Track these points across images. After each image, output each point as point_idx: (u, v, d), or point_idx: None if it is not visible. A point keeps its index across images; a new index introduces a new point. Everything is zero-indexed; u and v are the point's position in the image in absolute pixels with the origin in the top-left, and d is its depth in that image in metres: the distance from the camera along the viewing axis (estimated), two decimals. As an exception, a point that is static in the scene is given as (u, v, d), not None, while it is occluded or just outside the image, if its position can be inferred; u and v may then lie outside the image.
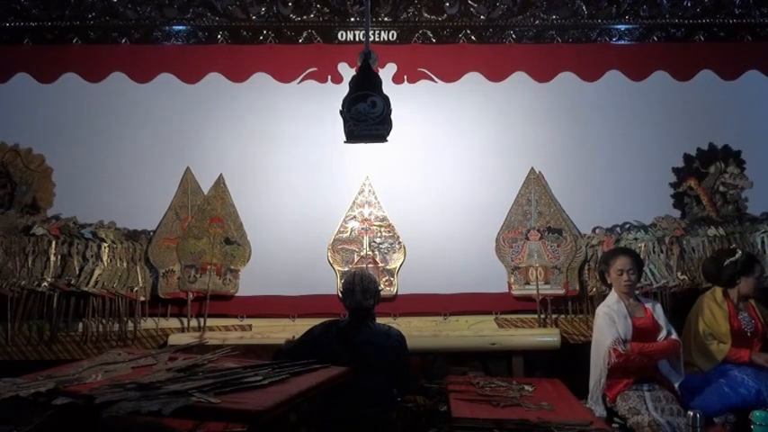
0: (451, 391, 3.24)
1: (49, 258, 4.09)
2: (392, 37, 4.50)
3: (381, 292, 3.52)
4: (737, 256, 3.72)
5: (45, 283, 4.02)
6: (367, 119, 3.22)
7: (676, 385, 3.44)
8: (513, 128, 4.40)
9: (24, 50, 4.42)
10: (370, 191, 4.36)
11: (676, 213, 4.36)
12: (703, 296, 3.76)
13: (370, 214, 4.33)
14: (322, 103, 4.26)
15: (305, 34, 4.48)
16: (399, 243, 4.29)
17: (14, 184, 4.30)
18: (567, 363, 3.87)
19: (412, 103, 4.33)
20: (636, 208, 4.34)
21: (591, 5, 4.48)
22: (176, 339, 3.93)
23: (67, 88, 4.38)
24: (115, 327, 4.04)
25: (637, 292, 3.72)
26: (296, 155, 4.35)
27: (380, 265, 4.26)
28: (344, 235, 4.30)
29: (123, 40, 4.46)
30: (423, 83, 4.44)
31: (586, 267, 4.23)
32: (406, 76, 4.42)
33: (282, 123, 4.39)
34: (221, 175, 4.33)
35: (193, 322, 4.07)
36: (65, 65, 4.38)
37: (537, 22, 4.49)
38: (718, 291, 3.71)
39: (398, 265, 4.27)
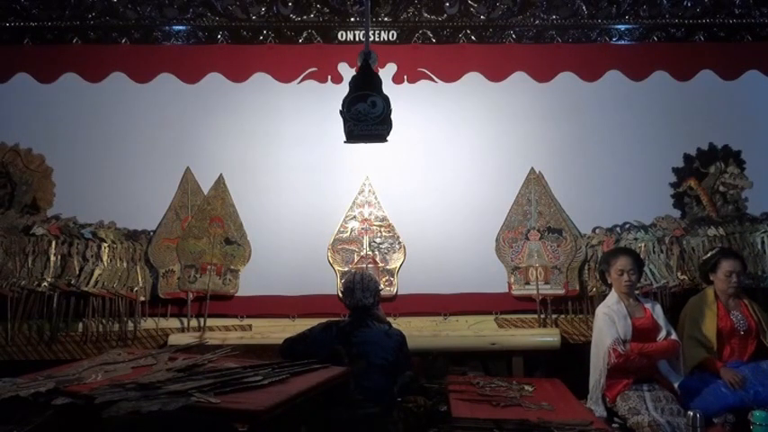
0: (451, 391, 3.23)
1: (49, 258, 4.09)
2: (392, 37, 4.50)
3: (381, 292, 3.52)
4: (711, 253, 3.76)
5: (45, 283, 4.03)
6: (367, 119, 3.22)
7: (676, 385, 3.44)
8: (513, 128, 4.41)
9: (24, 50, 4.42)
10: (370, 191, 4.36)
11: (676, 213, 4.36)
12: (693, 298, 3.76)
13: (370, 214, 4.33)
14: (322, 103, 4.26)
15: (305, 34, 4.48)
16: (399, 243, 4.29)
17: (14, 184, 4.30)
18: (567, 363, 3.87)
19: (412, 103, 4.33)
20: (636, 208, 4.34)
21: (591, 5, 4.48)
22: (176, 339, 3.94)
23: (67, 88, 4.39)
24: (115, 327, 4.04)
25: (636, 292, 3.72)
26: (296, 155, 4.36)
27: (380, 265, 4.26)
28: (344, 235, 4.30)
29: (123, 40, 4.46)
30: (423, 83, 4.44)
31: (586, 267, 4.24)
32: (406, 76, 4.42)
33: (282, 123, 4.39)
34: (221, 175, 4.33)
35: (193, 322, 4.07)
36: (65, 65, 4.39)
37: (537, 22, 4.49)
38: (710, 291, 3.70)
39: (398, 265, 4.27)
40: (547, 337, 4.04)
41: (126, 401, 2.09)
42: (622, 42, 4.53)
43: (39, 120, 4.36)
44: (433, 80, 4.44)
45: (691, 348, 3.54)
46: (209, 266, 4.19)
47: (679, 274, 4.15)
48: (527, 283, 4.22)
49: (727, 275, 3.61)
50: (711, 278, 3.70)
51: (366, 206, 4.34)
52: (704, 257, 3.82)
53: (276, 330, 3.97)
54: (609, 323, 3.45)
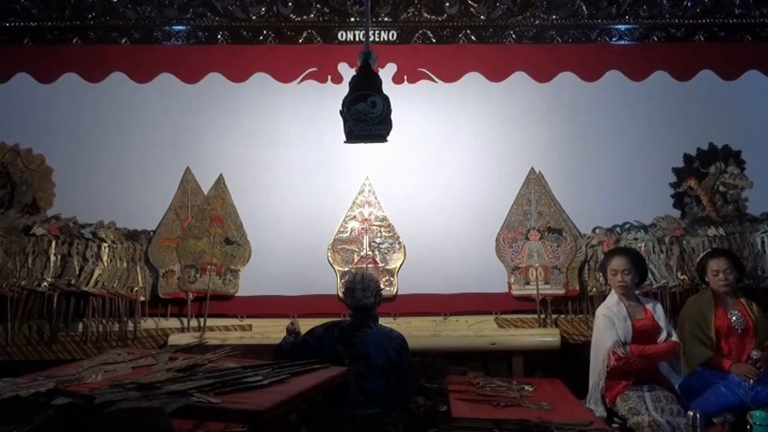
0: (451, 391, 3.24)
1: (49, 258, 4.10)
2: (392, 37, 4.50)
3: (382, 292, 3.51)
4: (701, 255, 3.81)
5: (45, 283, 4.03)
6: (367, 119, 3.22)
7: (676, 386, 3.44)
8: (513, 128, 4.41)
9: (24, 50, 4.42)
10: (370, 191, 4.36)
11: (676, 213, 4.36)
12: (692, 297, 3.77)
13: (370, 214, 4.33)
14: (322, 103, 4.26)
15: (305, 34, 4.48)
16: (399, 243, 4.29)
17: (14, 184, 4.30)
18: (567, 363, 3.88)
19: (412, 103, 4.33)
20: (636, 208, 4.34)
21: (591, 5, 4.48)
22: (176, 339, 3.94)
23: (67, 88, 4.39)
24: (115, 327, 4.04)
25: (637, 292, 3.71)
26: (296, 155, 4.36)
27: (380, 265, 4.26)
28: (344, 235, 4.30)
29: (123, 40, 4.46)
30: (423, 83, 4.44)
31: (586, 267, 4.24)
32: (406, 76, 4.42)
33: (282, 123, 4.40)
34: (221, 175, 4.33)
35: (193, 322, 4.07)
36: (65, 65, 4.39)
37: (537, 22, 4.49)
38: (708, 290, 3.70)
39: (398, 265, 4.27)
40: (547, 337, 4.04)
41: (126, 401, 2.09)
42: (622, 42, 4.53)
43: (39, 120, 4.36)
44: (433, 80, 4.44)
45: (694, 347, 3.54)
46: (209, 266, 4.19)
47: (679, 274, 4.15)
48: (527, 283, 4.22)
49: (715, 275, 3.62)
50: (706, 279, 3.72)
51: (366, 206, 4.34)
52: (699, 258, 3.85)
53: (276, 330, 3.95)
54: (608, 325, 3.43)
